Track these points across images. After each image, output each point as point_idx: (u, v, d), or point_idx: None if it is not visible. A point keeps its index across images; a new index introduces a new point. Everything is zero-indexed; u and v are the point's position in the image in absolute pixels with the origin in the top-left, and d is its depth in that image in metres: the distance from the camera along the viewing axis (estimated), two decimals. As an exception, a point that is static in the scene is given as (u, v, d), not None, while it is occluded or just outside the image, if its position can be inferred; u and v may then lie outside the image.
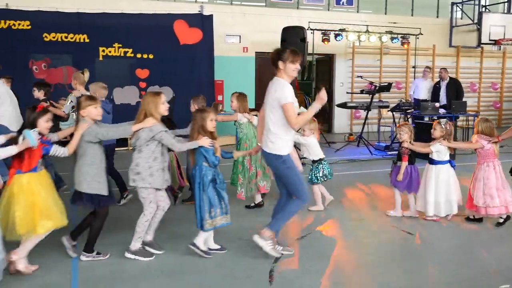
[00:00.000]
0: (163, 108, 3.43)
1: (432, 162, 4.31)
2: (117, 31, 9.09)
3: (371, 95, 9.04)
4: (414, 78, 11.14)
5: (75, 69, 8.92)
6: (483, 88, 12.75)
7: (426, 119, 7.89)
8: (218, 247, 3.63)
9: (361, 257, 3.58)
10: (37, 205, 3.17)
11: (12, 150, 3.08)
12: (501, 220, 4.26)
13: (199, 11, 9.72)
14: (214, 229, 3.48)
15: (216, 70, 9.70)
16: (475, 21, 12.34)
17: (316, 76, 12.38)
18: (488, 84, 12.73)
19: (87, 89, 5.25)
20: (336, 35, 10.42)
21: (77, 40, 8.93)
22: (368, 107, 9.02)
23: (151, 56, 9.31)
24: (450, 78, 9.80)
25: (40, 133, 3.15)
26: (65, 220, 3.30)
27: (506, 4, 13.03)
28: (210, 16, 9.58)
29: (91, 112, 3.30)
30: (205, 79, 9.62)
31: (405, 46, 11.17)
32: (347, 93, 11.26)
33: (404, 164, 4.35)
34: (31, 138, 3.06)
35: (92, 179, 3.34)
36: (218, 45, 9.94)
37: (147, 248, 3.56)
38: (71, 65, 9.03)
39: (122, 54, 9.19)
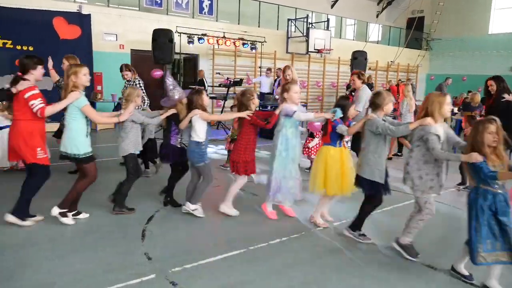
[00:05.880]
0: (447, 110, 3.09)
1: None
2: (-6, 23, 9.02)
3: (227, 88, 10.27)
4: (260, 75, 12.84)
5: None
6: (310, 86, 15.22)
7: (269, 107, 9.34)
8: (467, 273, 3.00)
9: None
10: (327, 172, 3.66)
11: (310, 115, 3.95)
12: None
13: (78, 10, 10.22)
14: (488, 265, 2.73)
15: (95, 64, 10.13)
16: (305, 34, 14.86)
17: (184, 72, 13.39)
18: (313, 82, 15.12)
19: None
20: (199, 39, 11.81)
21: (-49, 30, 8.62)
22: (225, 98, 10.25)
23: (31, 48, 9.44)
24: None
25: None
26: (348, 191, 3.64)
27: (326, 23, 16.10)
28: (88, 15, 10.17)
29: (389, 108, 3.42)
30: (85, 71, 10.36)
31: (254, 50, 13.03)
32: (209, 86, 12.35)
33: None
34: (338, 113, 3.63)
35: (374, 166, 3.35)
36: (97, 41, 10.47)
37: (403, 251, 3.30)
38: None
39: (1, 45, 9.28)
